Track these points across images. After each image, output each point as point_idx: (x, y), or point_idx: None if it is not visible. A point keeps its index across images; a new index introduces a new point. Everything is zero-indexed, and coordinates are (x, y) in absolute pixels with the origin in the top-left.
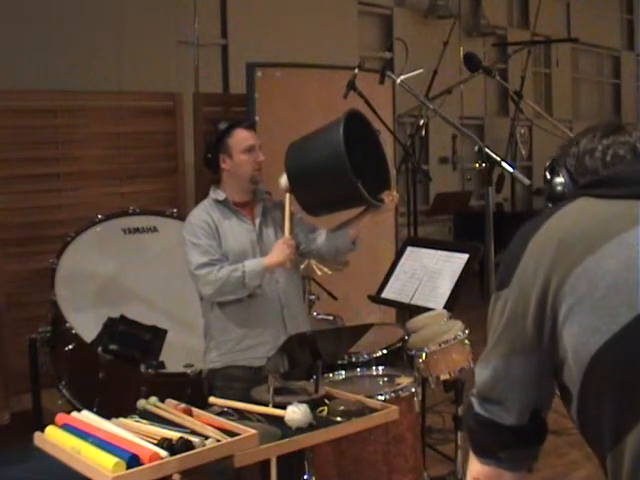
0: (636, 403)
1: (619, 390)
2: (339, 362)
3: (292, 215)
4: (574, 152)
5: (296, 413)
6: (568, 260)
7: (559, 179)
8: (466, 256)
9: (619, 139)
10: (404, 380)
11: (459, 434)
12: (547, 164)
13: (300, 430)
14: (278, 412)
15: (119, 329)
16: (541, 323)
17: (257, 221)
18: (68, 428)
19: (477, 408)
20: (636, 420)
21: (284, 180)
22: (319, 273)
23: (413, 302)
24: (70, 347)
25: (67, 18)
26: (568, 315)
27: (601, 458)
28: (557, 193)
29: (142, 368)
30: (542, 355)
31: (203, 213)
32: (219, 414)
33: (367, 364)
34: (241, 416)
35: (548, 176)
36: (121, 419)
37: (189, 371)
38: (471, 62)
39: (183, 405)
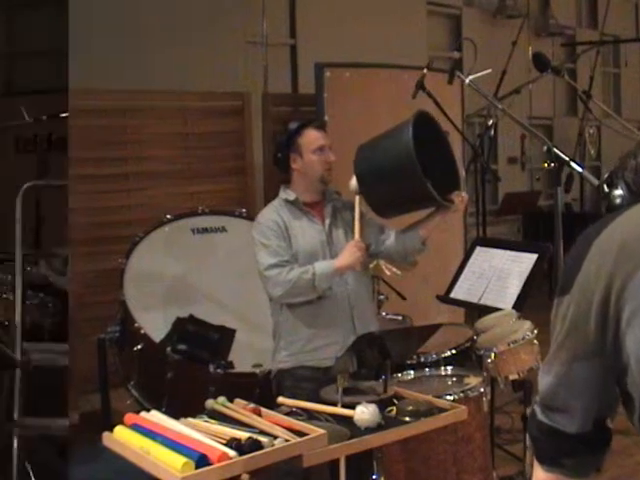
0: None
1: None
2: (408, 362)
3: (362, 217)
4: (632, 165)
5: (365, 413)
6: (630, 264)
7: (618, 192)
8: (535, 256)
9: None
10: (473, 380)
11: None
12: (605, 177)
13: (369, 430)
14: (347, 412)
15: (188, 329)
16: (604, 327)
17: (327, 222)
18: (137, 428)
19: (540, 416)
20: None
21: (354, 183)
22: (388, 273)
23: (482, 302)
24: (139, 347)
25: (137, 19)
26: (631, 319)
27: None
28: (616, 206)
29: (211, 368)
30: (605, 361)
31: (273, 213)
32: (288, 414)
33: (436, 364)
34: (310, 416)
35: (606, 189)
36: (190, 419)
37: (258, 371)
38: (540, 62)
39: (252, 405)
